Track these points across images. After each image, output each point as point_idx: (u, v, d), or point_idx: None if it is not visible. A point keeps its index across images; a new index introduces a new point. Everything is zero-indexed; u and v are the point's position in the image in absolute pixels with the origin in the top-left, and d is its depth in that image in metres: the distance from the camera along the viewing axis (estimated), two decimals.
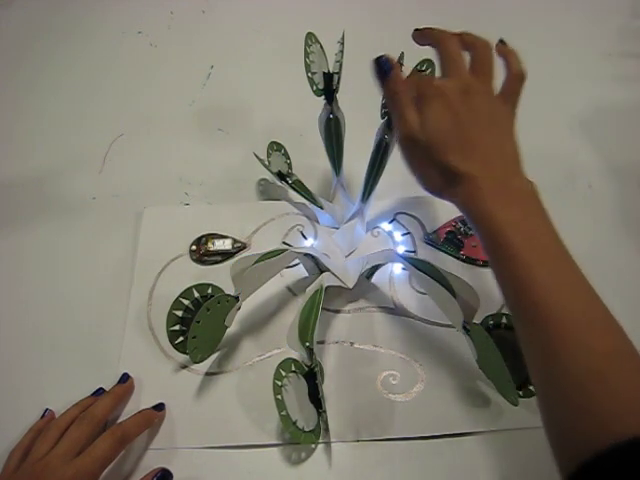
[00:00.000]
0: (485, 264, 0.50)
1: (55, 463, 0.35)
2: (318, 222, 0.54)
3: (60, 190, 0.58)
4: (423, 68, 0.40)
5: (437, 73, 0.40)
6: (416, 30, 0.39)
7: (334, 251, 0.51)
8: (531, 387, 0.41)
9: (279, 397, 0.37)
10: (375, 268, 0.48)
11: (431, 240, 0.52)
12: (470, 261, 0.50)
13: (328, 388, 0.42)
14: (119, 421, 0.40)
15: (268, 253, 0.42)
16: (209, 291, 0.46)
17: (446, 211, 0.54)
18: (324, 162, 0.52)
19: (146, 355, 0.45)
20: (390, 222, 0.54)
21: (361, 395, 0.43)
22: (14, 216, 0.56)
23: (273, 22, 0.78)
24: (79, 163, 0.61)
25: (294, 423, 0.38)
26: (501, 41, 0.37)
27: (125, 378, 0.43)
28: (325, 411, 0.40)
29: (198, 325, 0.40)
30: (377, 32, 0.76)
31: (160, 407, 0.42)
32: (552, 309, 0.29)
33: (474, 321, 0.38)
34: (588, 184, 0.58)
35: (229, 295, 0.41)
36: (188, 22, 0.79)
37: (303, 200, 0.54)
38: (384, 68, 0.35)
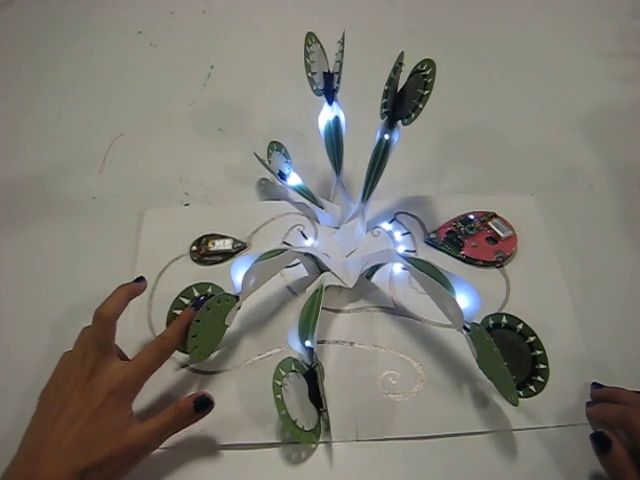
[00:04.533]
0: (485, 264, 0.50)
1: (100, 369, 0.37)
2: (318, 222, 0.54)
3: (60, 190, 0.58)
4: (423, 68, 0.40)
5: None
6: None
7: (334, 251, 0.51)
8: (531, 387, 0.41)
9: (279, 397, 0.37)
10: (375, 268, 0.48)
11: (431, 240, 0.52)
12: (470, 261, 0.50)
13: (328, 388, 0.42)
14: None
15: (268, 253, 0.42)
16: (209, 290, 0.46)
17: (446, 211, 0.54)
18: (324, 162, 0.52)
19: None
20: (390, 222, 0.54)
21: (361, 395, 0.43)
22: (13, 216, 0.56)
23: (273, 22, 0.79)
24: (79, 163, 0.61)
25: (294, 422, 0.38)
26: None
27: (140, 280, 0.43)
28: (326, 410, 0.40)
29: (198, 324, 0.40)
30: (377, 32, 0.76)
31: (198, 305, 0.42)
32: None
33: (474, 321, 0.38)
34: (588, 184, 0.58)
35: (229, 294, 0.41)
36: (188, 22, 0.79)
37: (303, 200, 0.54)
38: (604, 444, 0.36)
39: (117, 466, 0.35)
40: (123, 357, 0.42)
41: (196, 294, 0.46)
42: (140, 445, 0.36)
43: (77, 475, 0.33)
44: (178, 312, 0.45)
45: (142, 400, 0.42)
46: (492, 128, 0.64)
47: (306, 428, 0.39)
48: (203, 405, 0.38)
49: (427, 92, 0.40)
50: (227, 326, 0.43)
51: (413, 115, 0.42)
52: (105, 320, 0.39)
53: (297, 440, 0.38)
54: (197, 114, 0.66)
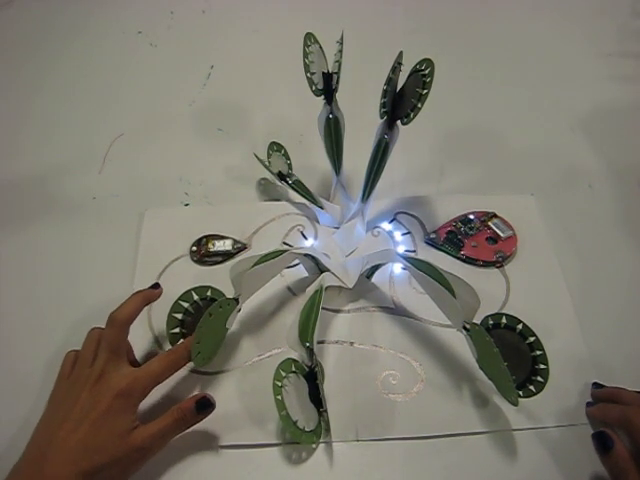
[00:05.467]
0: (485, 264, 0.50)
1: (110, 372, 0.37)
2: (318, 222, 0.54)
3: (60, 190, 0.58)
4: (422, 68, 0.40)
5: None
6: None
7: (334, 251, 0.51)
8: (531, 387, 0.41)
9: (279, 397, 0.37)
10: (375, 268, 0.48)
11: (431, 240, 0.52)
12: (470, 261, 0.50)
13: (328, 388, 0.42)
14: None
15: (268, 254, 0.42)
16: (208, 293, 0.46)
17: (446, 211, 0.54)
18: (324, 162, 0.52)
19: (146, 355, 0.45)
20: (390, 222, 0.54)
21: (361, 395, 0.43)
22: (13, 216, 0.56)
23: (273, 22, 0.79)
24: (79, 163, 0.61)
25: (294, 423, 0.38)
26: None
27: (156, 286, 0.44)
28: (326, 410, 0.40)
29: (201, 331, 0.40)
30: (377, 32, 0.76)
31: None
32: None
33: (474, 321, 0.38)
34: (588, 184, 0.58)
35: (230, 298, 0.41)
36: (188, 22, 0.79)
37: (303, 200, 0.54)
38: (606, 444, 0.36)
39: (121, 468, 0.36)
40: (134, 361, 0.43)
41: (195, 297, 0.46)
42: (144, 447, 0.36)
43: (80, 477, 0.34)
44: (178, 316, 0.45)
45: (144, 400, 0.42)
46: (492, 128, 0.64)
47: (307, 429, 0.39)
48: (204, 406, 0.38)
49: (426, 91, 0.40)
50: (228, 329, 0.43)
51: (412, 115, 0.42)
52: (118, 324, 0.39)
53: (298, 441, 0.38)
54: (197, 114, 0.66)
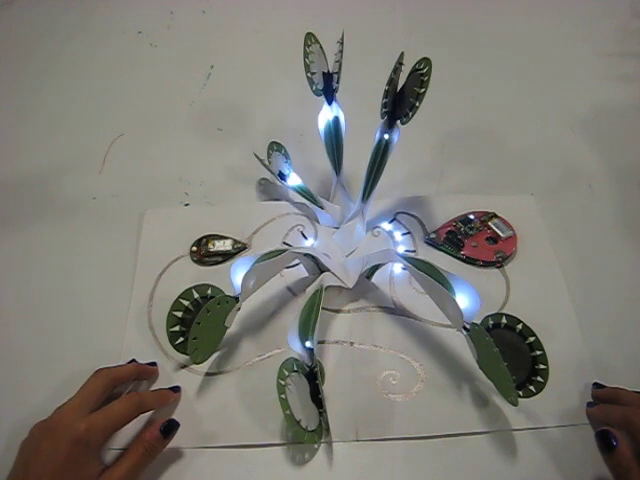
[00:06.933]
0: (485, 264, 0.50)
1: (69, 416, 0.36)
2: (318, 222, 0.54)
3: (60, 190, 0.58)
4: (421, 67, 0.40)
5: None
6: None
7: (334, 251, 0.51)
8: (531, 387, 0.41)
9: (283, 396, 0.37)
10: (375, 268, 0.48)
11: (431, 240, 0.52)
12: (470, 261, 0.50)
13: (328, 388, 0.42)
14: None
15: (268, 253, 0.42)
16: (209, 292, 0.46)
17: (446, 211, 0.54)
18: (324, 162, 0.52)
19: (146, 355, 0.45)
20: (390, 222, 0.54)
21: (361, 395, 0.43)
22: (13, 216, 0.56)
23: (273, 22, 0.79)
24: (79, 163, 0.61)
25: (298, 422, 0.38)
26: None
27: (153, 364, 0.44)
28: (325, 411, 0.40)
29: (198, 326, 0.40)
30: (377, 32, 0.76)
31: (176, 389, 0.43)
32: None
33: (474, 321, 0.38)
34: (588, 184, 0.58)
35: (229, 296, 0.41)
36: (188, 22, 0.79)
37: (303, 200, 0.54)
38: (609, 443, 0.36)
39: None
40: None
41: (196, 296, 0.46)
42: None
43: None
44: (178, 314, 0.45)
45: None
46: (492, 128, 0.64)
47: (309, 428, 0.39)
48: (171, 428, 0.38)
49: (423, 90, 0.40)
50: (227, 327, 0.43)
51: (411, 114, 0.42)
52: (101, 379, 0.39)
53: (301, 440, 0.38)
54: (197, 114, 0.66)
